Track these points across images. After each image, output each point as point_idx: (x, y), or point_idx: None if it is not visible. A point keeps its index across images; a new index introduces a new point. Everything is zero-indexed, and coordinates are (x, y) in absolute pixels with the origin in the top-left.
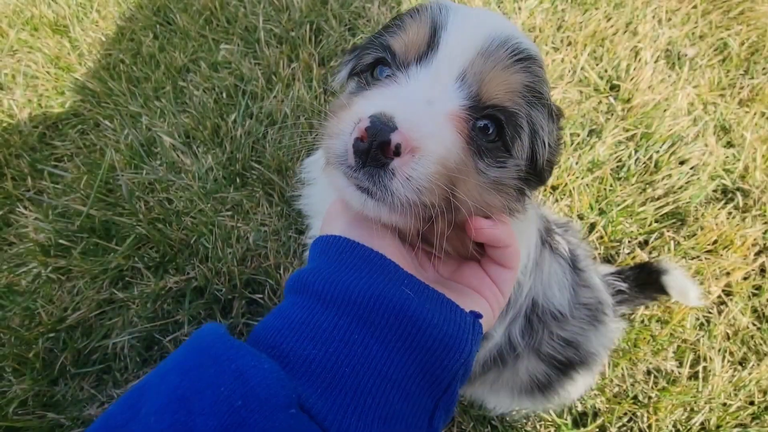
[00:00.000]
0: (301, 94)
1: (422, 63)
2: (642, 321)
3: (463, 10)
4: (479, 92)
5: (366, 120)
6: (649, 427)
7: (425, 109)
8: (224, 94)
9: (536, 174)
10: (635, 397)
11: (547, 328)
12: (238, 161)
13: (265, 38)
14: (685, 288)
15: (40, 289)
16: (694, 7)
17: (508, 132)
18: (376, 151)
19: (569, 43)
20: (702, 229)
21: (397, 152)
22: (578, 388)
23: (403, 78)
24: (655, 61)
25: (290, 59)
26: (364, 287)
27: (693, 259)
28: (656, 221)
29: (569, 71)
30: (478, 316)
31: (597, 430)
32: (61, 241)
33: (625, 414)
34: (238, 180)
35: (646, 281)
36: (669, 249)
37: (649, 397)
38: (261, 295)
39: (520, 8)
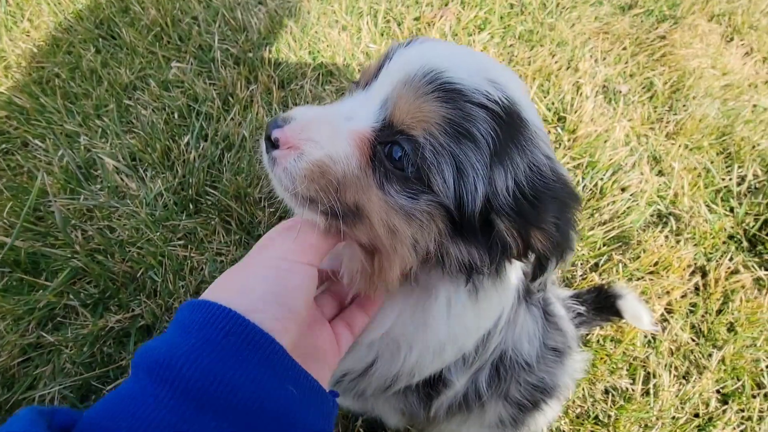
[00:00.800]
0: (260, 117)
1: (366, 88)
2: (598, 341)
3: (418, 44)
4: (391, 117)
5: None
6: None
7: (338, 123)
8: (176, 115)
9: (472, 228)
10: (596, 417)
11: (514, 377)
12: (192, 186)
13: (221, 58)
14: (638, 313)
15: None
16: (624, 49)
17: (418, 161)
18: (266, 140)
19: (520, 76)
20: (644, 251)
21: (276, 145)
22: (548, 416)
23: (347, 97)
24: (595, 96)
25: (248, 81)
26: (249, 387)
27: (638, 279)
28: (605, 245)
29: None
30: (336, 395)
31: None
32: None
33: None
34: (191, 206)
35: (602, 305)
36: (617, 271)
37: (609, 416)
38: None
39: (474, 41)
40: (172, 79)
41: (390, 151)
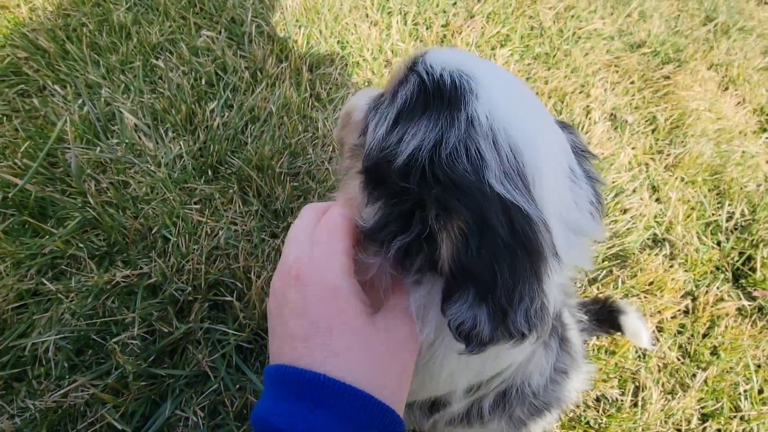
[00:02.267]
0: (288, 94)
1: None
2: (593, 351)
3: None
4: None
5: None
6: None
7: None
8: (203, 81)
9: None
10: (588, 423)
11: (520, 403)
12: (213, 153)
13: (253, 33)
14: (638, 331)
15: None
16: (632, 82)
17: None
18: None
19: (537, 93)
20: (642, 270)
21: None
22: (546, 421)
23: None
24: (603, 122)
25: (279, 59)
26: None
27: (634, 296)
28: (605, 260)
29: None
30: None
31: None
32: None
33: None
34: (210, 172)
35: (605, 317)
36: (615, 286)
37: (599, 423)
38: (230, 298)
39: (496, 55)
40: (201, 46)
41: (377, 99)
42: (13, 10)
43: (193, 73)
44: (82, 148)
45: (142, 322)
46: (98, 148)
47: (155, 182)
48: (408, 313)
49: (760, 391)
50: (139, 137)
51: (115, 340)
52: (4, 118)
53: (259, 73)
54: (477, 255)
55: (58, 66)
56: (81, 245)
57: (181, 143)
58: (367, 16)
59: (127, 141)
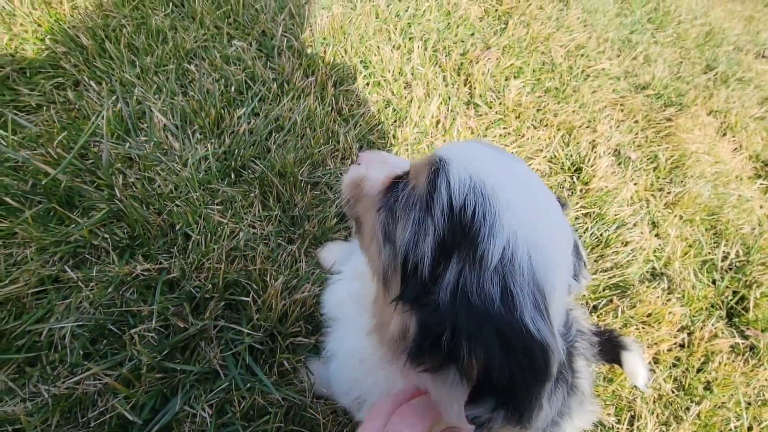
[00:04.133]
0: (312, 107)
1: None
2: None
3: (473, 144)
4: (410, 168)
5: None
6: None
7: (391, 167)
8: (233, 88)
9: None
10: None
11: None
12: (238, 157)
13: (283, 47)
14: (637, 371)
15: None
16: (636, 122)
17: (396, 204)
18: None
19: (546, 125)
20: (641, 302)
21: (356, 159)
22: None
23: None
24: (608, 156)
25: (306, 73)
26: None
27: (632, 326)
28: (606, 289)
29: (545, 147)
30: None
31: None
32: (7, 199)
33: None
34: (233, 175)
35: (608, 350)
36: (615, 315)
37: None
38: (246, 298)
39: (509, 86)
40: (233, 55)
41: (399, 186)
42: (56, 7)
43: (223, 80)
44: (113, 142)
45: (159, 316)
46: (127, 144)
47: (180, 181)
48: None
49: (750, 429)
50: (167, 137)
51: (132, 331)
52: (41, 108)
53: (286, 85)
54: (501, 377)
55: (95, 63)
56: (105, 236)
57: (208, 145)
58: (390, 39)
59: (155, 139)
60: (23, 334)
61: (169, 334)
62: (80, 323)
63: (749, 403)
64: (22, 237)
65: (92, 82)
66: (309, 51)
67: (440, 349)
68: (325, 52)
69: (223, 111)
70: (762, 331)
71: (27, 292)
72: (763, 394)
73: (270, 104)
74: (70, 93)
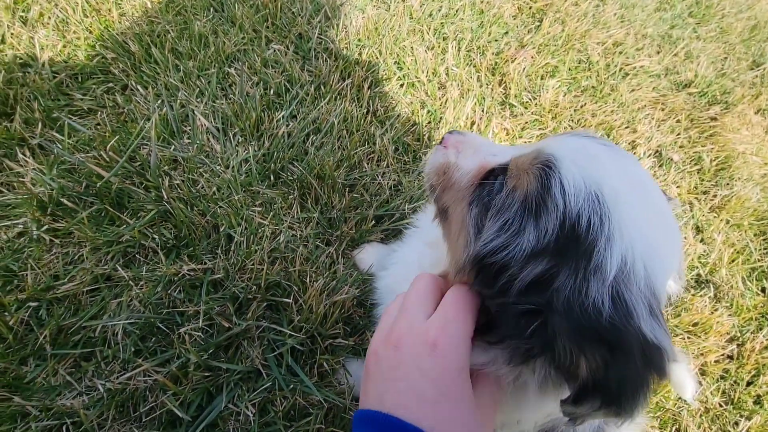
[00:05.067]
0: (349, 109)
1: (532, 144)
2: None
3: (574, 138)
4: (510, 162)
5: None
6: None
7: (482, 152)
8: (272, 91)
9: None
10: None
11: None
12: (277, 159)
13: (318, 50)
14: (684, 382)
15: (27, 249)
16: (678, 121)
17: (492, 200)
18: (444, 137)
19: (583, 125)
20: (686, 310)
21: (442, 142)
22: None
23: (515, 146)
24: (648, 157)
25: (343, 76)
26: None
27: (678, 336)
28: None
29: None
30: None
31: None
32: (63, 200)
33: None
34: (272, 177)
35: None
36: None
37: None
38: (288, 300)
39: (545, 86)
40: (271, 58)
41: (493, 182)
42: (105, 14)
43: (262, 83)
44: (159, 145)
45: (204, 316)
46: (172, 147)
47: (222, 183)
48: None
49: None
50: (209, 139)
51: (181, 330)
52: (93, 112)
53: (323, 87)
54: (613, 379)
55: (142, 68)
56: (154, 236)
57: (248, 148)
58: (423, 39)
59: (198, 142)
60: (79, 330)
61: (213, 333)
62: (131, 321)
63: None
64: (78, 237)
65: (139, 87)
66: (345, 53)
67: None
68: (360, 53)
69: (262, 114)
70: None
71: (82, 290)
72: None
73: (308, 107)
74: (119, 97)
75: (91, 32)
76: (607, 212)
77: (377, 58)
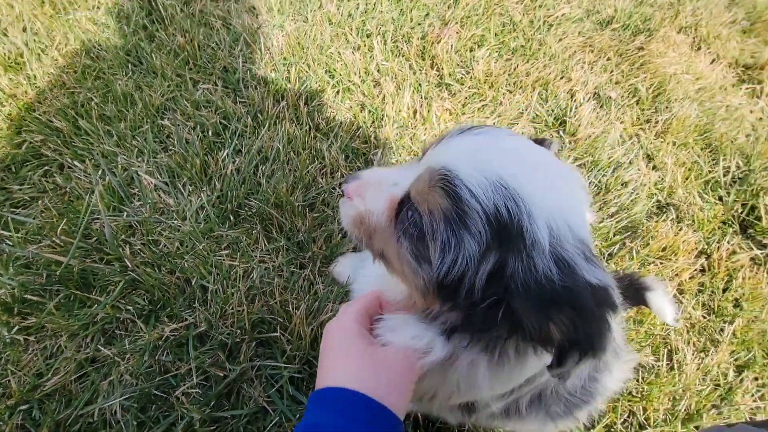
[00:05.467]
0: (291, 130)
1: (420, 160)
2: (622, 322)
3: (458, 137)
4: (410, 191)
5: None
6: (647, 419)
7: (385, 186)
8: (210, 132)
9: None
10: (630, 393)
11: (556, 401)
12: (231, 199)
13: (247, 78)
14: (663, 308)
15: (3, 354)
16: (608, 59)
17: (419, 230)
18: (342, 189)
19: (520, 87)
20: (653, 238)
21: (343, 194)
22: (589, 410)
23: (407, 164)
24: (588, 102)
25: (276, 99)
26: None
27: (650, 264)
28: (616, 234)
29: (525, 110)
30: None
31: (605, 429)
32: (27, 296)
33: (625, 411)
34: (231, 218)
35: (631, 294)
36: (631, 257)
37: (641, 392)
38: (274, 333)
39: (475, 58)
40: (201, 99)
41: (409, 214)
42: (22, 97)
43: (198, 127)
44: (111, 215)
45: (197, 370)
46: (125, 213)
47: (183, 236)
48: (402, 351)
49: None
50: (160, 195)
51: (177, 392)
52: (35, 200)
53: (260, 115)
54: (582, 331)
55: (74, 142)
56: (128, 307)
57: (201, 194)
58: (348, 42)
59: (149, 201)
60: (77, 419)
61: (211, 385)
62: (126, 396)
63: None
64: (52, 329)
65: (76, 162)
66: (273, 75)
67: (495, 325)
68: (288, 71)
69: (206, 157)
70: None
71: (70, 379)
72: None
73: (249, 138)
74: (58, 178)
75: (11, 120)
76: (517, 194)
77: (307, 71)
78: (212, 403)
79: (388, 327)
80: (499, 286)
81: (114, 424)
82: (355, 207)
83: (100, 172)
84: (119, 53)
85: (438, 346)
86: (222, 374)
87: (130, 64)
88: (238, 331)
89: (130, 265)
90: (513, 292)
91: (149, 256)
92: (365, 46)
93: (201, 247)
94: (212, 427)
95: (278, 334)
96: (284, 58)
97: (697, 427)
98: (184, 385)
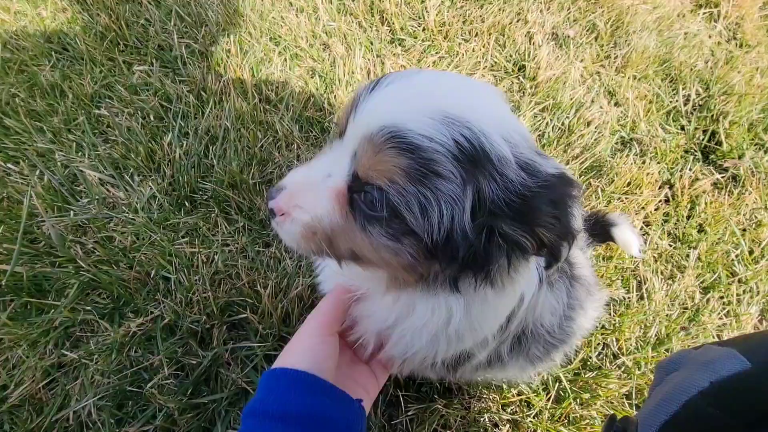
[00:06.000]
0: (238, 106)
1: (342, 137)
2: (591, 260)
3: (381, 91)
4: (357, 170)
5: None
6: (620, 349)
7: (320, 181)
8: (152, 116)
9: (460, 259)
10: (603, 326)
11: (535, 342)
12: (184, 184)
13: (185, 54)
14: (629, 241)
15: None
16: None
17: (390, 207)
18: (268, 209)
19: (476, 34)
20: (617, 175)
21: (273, 214)
22: (565, 350)
23: (326, 151)
24: (547, 43)
25: (219, 73)
26: (299, 404)
27: (617, 200)
28: (581, 175)
29: (482, 57)
30: (360, 401)
31: (581, 363)
32: None
33: (599, 344)
34: (187, 204)
35: (598, 231)
36: (597, 196)
37: (614, 324)
38: (244, 314)
39: (427, 8)
40: (138, 82)
41: (364, 197)
42: None
43: (139, 112)
44: (56, 216)
45: (170, 362)
46: (71, 213)
47: (138, 228)
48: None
49: (751, 252)
50: (107, 190)
51: (150, 385)
52: None
53: (203, 93)
54: (565, 222)
55: (4, 143)
56: (88, 308)
57: (151, 184)
58: (291, 4)
59: (97, 197)
60: (52, 425)
61: (188, 373)
62: (99, 396)
63: (744, 230)
64: (9, 340)
65: (9, 165)
66: (213, 49)
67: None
68: (229, 43)
69: (151, 144)
70: (739, 158)
71: (38, 388)
72: (755, 216)
73: (195, 119)
74: None
75: None
76: (466, 120)
77: (249, 41)
78: (189, 391)
79: (409, 330)
80: (483, 215)
81: (91, 425)
82: (297, 221)
83: (37, 173)
84: (39, 42)
85: (454, 307)
86: (196, 362)
87: (53, 53)
88: (206, 317)
89: (84, 266)
90: (498, 215)
91: (104, 254)
92: (309, 6)
93: (158, 238)
94: (191, 414)
95: (248, 315)
96: (222, 29)
97: (667, 350)
98: (158, 377)
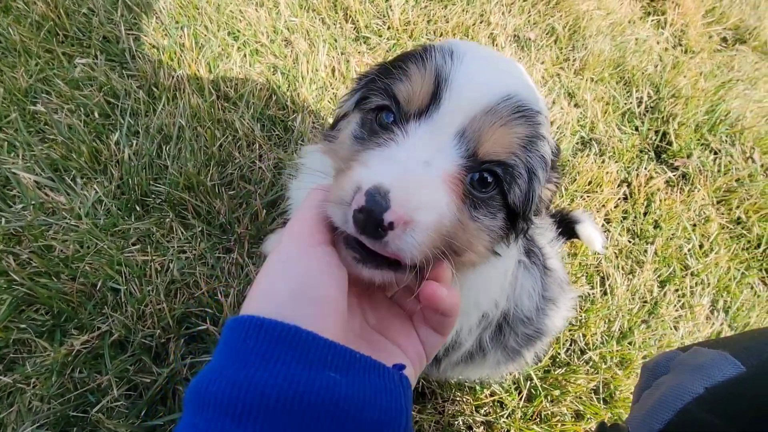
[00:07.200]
0: (194, 103)
1: (423, 118)
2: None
3: (468, 61)
4: (477, 149)
5: (362, 196)
6: (587, 344)
7: (421, 172)
8: (96, 114)
9: (526, 217)
10: (570, 323)
11: (514, 331)
12: (134, 187)
13: (134, 48)
14: (592, 237)
15: None
16: (525, 0)
17: (505, 183)
18: (372, 227)
19: (441, 34)
20: (579, 173)
21: (391, 227)
22: (537, 348)
23: (402, 136)
24: (510, 45)
25: (171, 68)
26: (282, 385)
27: (579, 198)
28: None
29: None
30: (402, 367)
31: (550, 360)
32: None
33: (567, 340)
34: (138, 208)
35: (563, 229)
36: (561, 195)
37: (580, 320)
38: (204, 326)
39: (391, 7)
40: (81, 76)
41: (478, 179)
42: None
43: (81, 109)
44: None
45: (120, 381)
46: (2, 220)
47: (81, 236)
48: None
49: (701, 246)
50: (45, 194)
51: (96, 409)
52: None
53: (155, 89)
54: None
55: None
56: (23, 326)
57: (96, 186)
58: None
59: (33, 203)
60: None
61: (141, 393)
62: (38, 424)
63: (695, 225)
64: None
65: None
66: (165, 42)
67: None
68: (183, 36)
69: (96, 143)
70: (687, 157)
71: None
72: (704, 212)
73: (146, 116)
74: None
75: None
76: (533, 88)
77: (205, 34)
78: (144, 413)
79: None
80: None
81: None
82: (423, 226)
83: None
84: None
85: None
86: (150, 380)
87: None
88: (161, 330)
89: (18, 279)
90: (535, 172)
91: (42, 265)
92: (269, 1)
93: (105, 246)
94: None
95: (208, 326)
96: (176, 21)
97: (630, 343)
98: (105, 399)
